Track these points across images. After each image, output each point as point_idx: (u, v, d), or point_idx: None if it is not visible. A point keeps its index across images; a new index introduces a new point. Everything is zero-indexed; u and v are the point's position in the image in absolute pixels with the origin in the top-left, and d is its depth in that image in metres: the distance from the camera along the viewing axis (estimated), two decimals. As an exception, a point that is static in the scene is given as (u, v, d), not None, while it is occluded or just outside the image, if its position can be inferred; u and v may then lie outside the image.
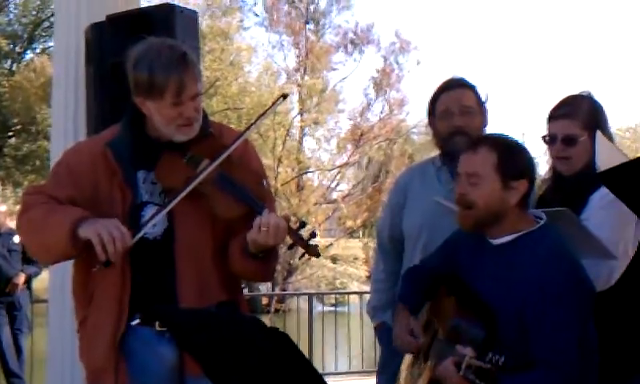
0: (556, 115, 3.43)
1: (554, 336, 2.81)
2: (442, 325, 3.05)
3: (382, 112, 30.27)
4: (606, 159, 2.97)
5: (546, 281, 2.85)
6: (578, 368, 2.82)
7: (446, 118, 3.75)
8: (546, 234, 2.98)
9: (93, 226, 2.85)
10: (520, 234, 2.99)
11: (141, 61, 2.97)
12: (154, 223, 2.98)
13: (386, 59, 30.30)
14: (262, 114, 3.38)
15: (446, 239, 3.31)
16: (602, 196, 3.16)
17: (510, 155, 2.99)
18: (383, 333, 4.02)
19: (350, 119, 30.50)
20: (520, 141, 3.12)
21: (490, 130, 3.84)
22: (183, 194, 2.96)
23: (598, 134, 3.09)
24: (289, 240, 2.96)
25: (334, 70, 30.45)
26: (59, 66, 4.74)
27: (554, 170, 3.51)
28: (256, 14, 30.45)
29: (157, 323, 2.99)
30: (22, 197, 3.25)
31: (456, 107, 3.75)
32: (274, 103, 3.30)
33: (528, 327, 2.86)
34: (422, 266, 3.38)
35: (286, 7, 30.29)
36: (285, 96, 3.41)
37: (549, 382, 2.81)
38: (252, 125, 3.43)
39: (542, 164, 3.60)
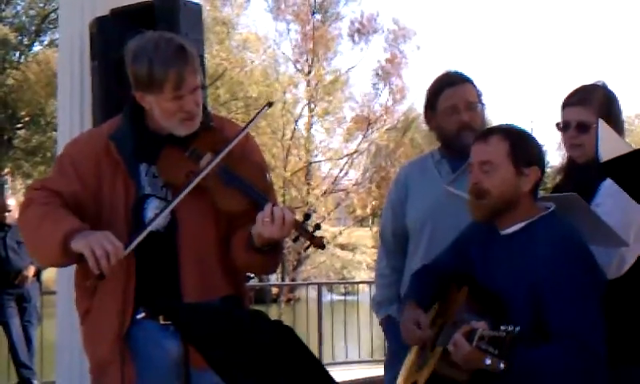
0: (570, 102, 3.43)
1: (570, 309, 2.80)
2: (451, 318, 3.03)
3: (387, 101, 30.40)
4: (609, 148, 2.96)
5: (559, 259, 2.85)
6: (599, 339, 2.79)
7: (453, 114, 3.73)
8: (555, 219, 2.99)
9: (85, 239, 2.81)
10: (529, 220, 2.99)
11: (139, 55, 2.96)
12: (157, 222, 2.96)
13: (389, 47, 30.51)
14: (251, 121, 3.27)
15: (457, 237, 3.30)
16: (613, 182, 3.14)
17: (521, 142, 3.02)
18: (389, 326, 4.02)
19: (357, 108, 30.64)
20: (528, 129, 3.12)
21: (495, 117, 3.85)
22: (186, 190, 2.94)
23: (601, 122, 3.08)
24: (294, 232, 2.95)
25: (341, 59, 30.67)
26: (64, 59, 4.74)
27: (568, 158, 3.50)
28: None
29: (161, 317, 2.98)
30: (26, 190, 3.24)
31: (462, 103, 3.73)
32: (259, 111, 3.28)
33: (543, 306, 2.84)
34: (433, 266, 3.36)
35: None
36: (270, 104, 3.37)
37: (566, 353, 2.77)
38: (244, 128, 3.19)
39: (551, 152, 3.60)
